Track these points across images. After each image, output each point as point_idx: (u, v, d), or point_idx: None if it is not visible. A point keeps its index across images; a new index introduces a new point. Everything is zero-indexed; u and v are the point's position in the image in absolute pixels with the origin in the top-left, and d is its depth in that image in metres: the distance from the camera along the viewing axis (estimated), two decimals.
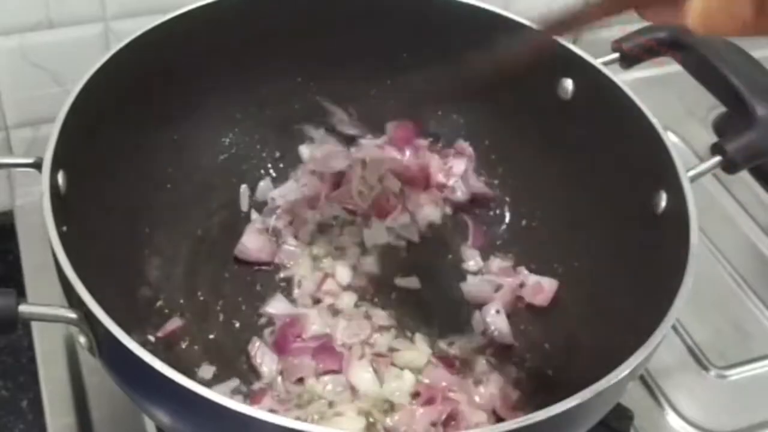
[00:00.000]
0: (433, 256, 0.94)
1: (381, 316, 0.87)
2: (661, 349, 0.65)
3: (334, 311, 0.87)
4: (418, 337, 0.85)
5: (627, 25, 0.85)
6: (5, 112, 0.99)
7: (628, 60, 0.86)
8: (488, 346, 0.85)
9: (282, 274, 0.90)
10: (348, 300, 0.88)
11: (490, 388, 0.81)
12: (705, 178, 0.78)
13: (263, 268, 0.91)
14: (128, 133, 0.81)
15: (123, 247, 0.81)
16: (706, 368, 0.92)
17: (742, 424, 0.87)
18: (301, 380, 0.81)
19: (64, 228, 0.65)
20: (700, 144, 1.11)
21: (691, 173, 0.75)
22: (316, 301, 0.88)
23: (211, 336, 0.84)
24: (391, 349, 0.84)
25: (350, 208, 0.95)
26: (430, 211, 0.96)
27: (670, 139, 0.79)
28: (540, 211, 0.93)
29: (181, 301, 0.85)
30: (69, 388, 0.84)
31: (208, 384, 0.78)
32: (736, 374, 0.92)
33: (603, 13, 0.60)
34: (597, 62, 0.84)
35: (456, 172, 0.97)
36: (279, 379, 0.81)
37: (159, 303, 0.84)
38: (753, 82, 0.79)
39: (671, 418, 0.87)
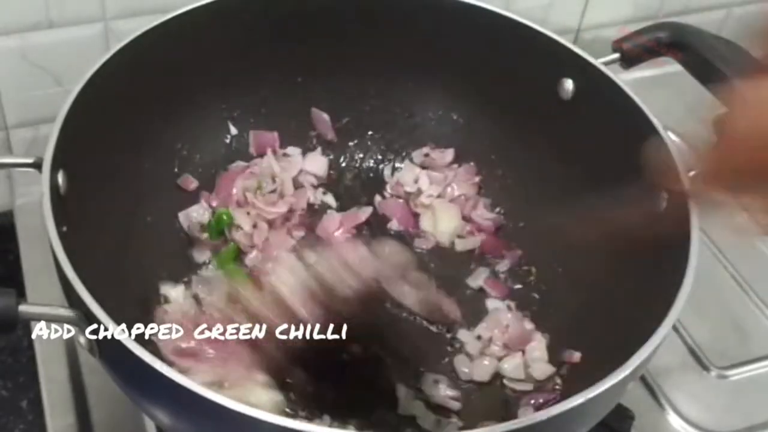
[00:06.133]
0: None
1: None
2: (661, 350, 0.65)
3: None
4: None
5: (627, 25, 0.85)
6: (5, 112, 0.99)
7: (629, 60, 0.86)
8: None
9: None
10: None
11: None
12: None
13: None
14: (128, 134, 0.81)
15: (123, 247, 0.81)
16: (706, 368, 0.92)
17: (742, 425, 0.87)
18: None
19: (64, 228, 0.65)
20: None
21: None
22: None
23: None
24: None
25: None
26: None
27: (670, 139, 0.78)
28: (539, 212, 0.93)
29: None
30: (69, 388, 0.84)
31: None
32: (736, 374, 0.92)
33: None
34: (597, 62, 0.84)
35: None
36: None
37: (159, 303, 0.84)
38: None
39: (672, 418, 0.87)
